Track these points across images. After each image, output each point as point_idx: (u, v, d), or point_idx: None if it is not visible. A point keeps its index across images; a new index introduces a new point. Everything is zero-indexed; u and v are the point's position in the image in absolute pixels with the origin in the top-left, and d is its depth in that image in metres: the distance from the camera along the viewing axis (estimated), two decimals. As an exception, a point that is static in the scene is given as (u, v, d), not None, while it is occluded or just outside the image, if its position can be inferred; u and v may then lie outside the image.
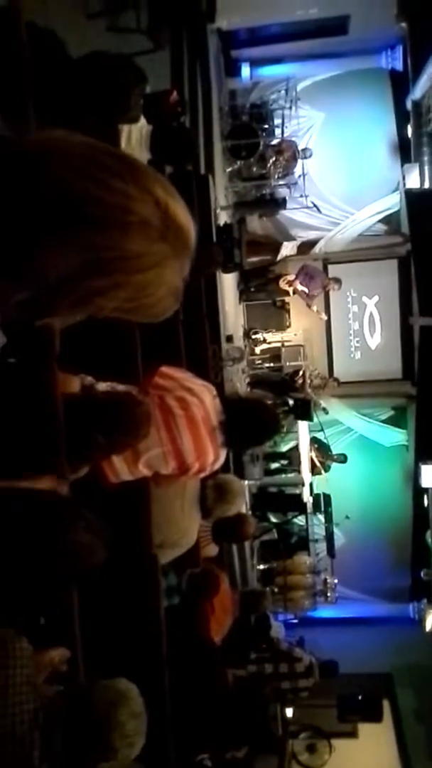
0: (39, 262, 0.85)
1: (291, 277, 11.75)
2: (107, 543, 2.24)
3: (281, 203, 11.68)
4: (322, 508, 11.34)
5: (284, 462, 11.30)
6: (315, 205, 12.05)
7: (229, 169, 11.31)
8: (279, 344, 12.32)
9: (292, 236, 12.59)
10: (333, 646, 8.73)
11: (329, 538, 11.30)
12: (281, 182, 11.66)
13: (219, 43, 11.41)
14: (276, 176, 11.50)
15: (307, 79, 12.33)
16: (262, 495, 10.80)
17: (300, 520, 11.26)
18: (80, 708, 1.94)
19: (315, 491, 11.30)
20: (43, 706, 1.86)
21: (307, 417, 10.33)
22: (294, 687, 6.62)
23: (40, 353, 2.32)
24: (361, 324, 12.77)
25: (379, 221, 12.73)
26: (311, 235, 12.69)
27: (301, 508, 10.88)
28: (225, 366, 7.88)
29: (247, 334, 12.01)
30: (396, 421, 12.94)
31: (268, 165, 11.31)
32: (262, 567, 10.42)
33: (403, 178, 12.12)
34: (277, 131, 11.60)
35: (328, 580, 10.86)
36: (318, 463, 10.98)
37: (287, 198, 11.70)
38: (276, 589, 10.27)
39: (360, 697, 9.44)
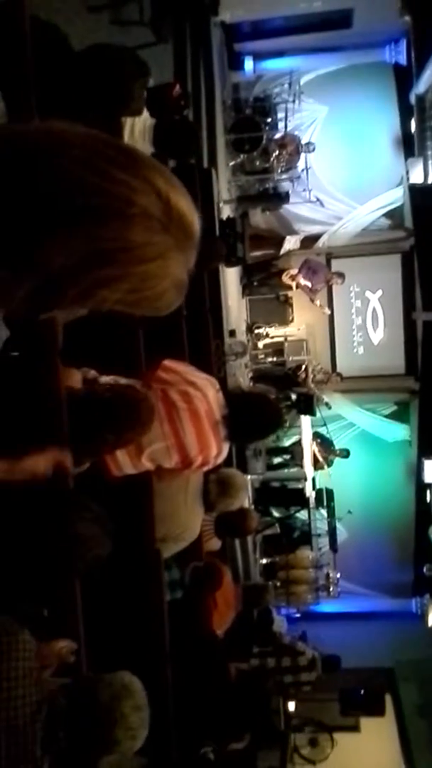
0: (40, 254, 0.85)
1: (294, 272, 11.73)
2: (112, 535, 2.25)
3: (284, 197, 11.65)
4: (325, 503, 11.35)
5: (287, 457, 11.30)
6: (318, 200, 12.03)
7: (232, 163, 11.29)
8: (282, 339, 12.30)
9: (295, 230, 12.57)
10: (335, 641, 8.76)
11: (332, 532, 11.31)
12: (284, 176, 11.64)
13: (222, 36, 11.37)
14: (279, 170, 11.49)
15: (311, 73, 12.31)
16: (264, 490, 10.80)
17: (302, 514, 11.26)
18: (83, 701, 1.95)
19: (317, 486, 11.30)
20: (45, 699, 1.87)
21: (310, 412, 10.32)
22: (296, 681, 6.65)
23: (42, 347, 2.32)
24: (364, 319, 12.75)
25: (383, 216, 12.70)
26: (314, 229, 12.66)
27: (303, 502, 10.88)
28: (228, 361, 7.88)
29: (250, 329, 12.01)
30: (399, 416, 12.92)
31: (271, 159, 11.29)
32: (264, 561, 10.43)
33: (407, 172, 12.10)
34: (281, 125, 11.59)
35: (331, 575, 10.87)
36: (321, 458, 10.98)
37: (290, 192, 11.67)
38: (278, 584, 10.29)
39: (362, 692, 9.47)
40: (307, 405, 10.23)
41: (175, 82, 5.02)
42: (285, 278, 11.87)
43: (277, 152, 11.23)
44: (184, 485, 3.45)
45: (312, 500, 10.97)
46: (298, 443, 10.85)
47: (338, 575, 11.00)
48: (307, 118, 12.27)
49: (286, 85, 11.88)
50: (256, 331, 12.11)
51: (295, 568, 10.66)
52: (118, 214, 0.85)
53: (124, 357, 3.22)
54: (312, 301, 11.89)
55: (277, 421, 3.63)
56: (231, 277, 10.29)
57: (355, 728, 9.53)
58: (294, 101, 11.70)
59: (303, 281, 11.57)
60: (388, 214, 12.70)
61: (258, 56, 12.36)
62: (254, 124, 11.14)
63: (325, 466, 11.22)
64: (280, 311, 12.35)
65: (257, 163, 11.51)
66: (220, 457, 3.27)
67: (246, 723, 3.71)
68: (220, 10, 10.74)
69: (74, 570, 2.36)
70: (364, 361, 12.72)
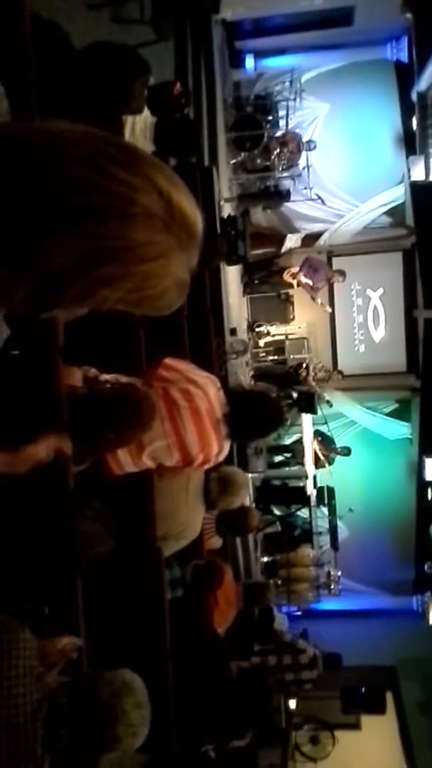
0: (41, 253, 0.84)
1: (295, 270, 11.72)
2: (114, 532, 2.25)
3: (285, 195, 11.64)
4: (326, 501, 11.36)
5: (288, 455, 11.30)
6: (319, 197, 12.01)
7: (233, 161, 11.28)
8: (283, 337, 12.30)
9: (296, 228, 12.55)
10: (336, 639, 8.76)
11: (333, 530, 11.32)
12: (285, 174, 11.63)
13: (223, 34, 11.35)
14: (280, 168, 11.46)
15: (312, 71, 12.28)
16: (265, 488, 10.80)
17: (303, 512, 11.26)
18: (84, 698, 1.95)
19: (319, 484, 11.31)
20: (46, 697, 1.87)
21: (311, 410, 10.32)
22: (297, 679, 6.65)
23: (43, 345, 2.32)
24: (366, 317, 12.73)
25: (384, 213, 12.68)
26: (315, 227, 12.65)
27: (304, 500, 10.88)
28: (229, 359, 7.87)
29: (251, 327, 12.00)
30: (400, 414, 12.92)
31: (273, 157, 11.27)
32: (265, 559, 10.42)
33: (408, 170, 12.08)
34: (282, 123, 11.56)
35: (332, 573, 10.88)
36: (322, 456, 10.98)
37: (291, 190, 11.66)
38: (279, 582, 10.29)
39: (363, 689, 9.48)
40: (308, 403, 10.23)
41: (176, 81, 5.01)
42: (286, 276, 11.86)
43: (278, 150, 11.21)
44: (185, 483, 3.45)
45: (313, 498, 10.97)
46: (299, 441, 10.85)
47: (339, 573, 11.01)
48: (308, 116, 12.25)
49: (287, 83, 11.85)
50: (257, 329, 12.11)
51: (296, 566, 10.67)
52: (119, 213, 0.84)
53: (125, 355, 3.22)
54: (313, 299, 11.89)
55: (278, 420, 3.63)
56: (232, 275, 10.28)
57: (356, 726, 9.54)
58: (295, 99, 11.68)
59: (304, 279, 11.56)
60: (390, 212, 12.68)
61: (259, 54, 12.33)
62: (255, 122, 11.12)
63: (326, 464, 11.22)
64: (281, 309, 12.35)
65: (258, 161, 11.50)
66: (221, 456, 3.28)
67: (247, 721, 3.72)
68: (221, 7, 10.71)
69: (76, 568, 2.36)
70: (365, 359, 12.71)
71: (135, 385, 2.72)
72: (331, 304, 12.49)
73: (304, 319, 12.45)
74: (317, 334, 12.59)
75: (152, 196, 0.86)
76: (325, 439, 11.43)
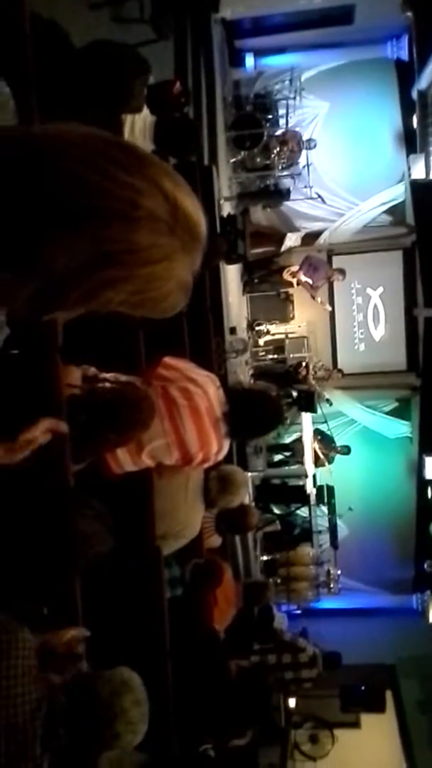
0: (45, 256, 0.84)
1: (295, 269, 11.72)
2: (113, 531, 2.25)
3: (285, 194, 11.64)
4: (326, 500, 11.36)
5: (287, 454, 11.30)
6: (319, 196, 12.01)
7: (232, 160, 11.27)
8: (283, 336, 12.30)
9: (296, 227, 12.55)
10: (336, 637, 8.76)
11: (332, 529, 11.32)
12: (285, 173, 11.62)
13: (223, 33, 11.34)
14: (280, 167, 11.45)
15: (312, 69, 12.27)
16: (265, 486, 10.81)
17: (303, 511, 11.27)
18: (83, 697, 1.96)
19: (318, 483, 11.31)
20: (45, 697, 1.88)
21: (311, 409, 10.32)
22: (297, 677, 6.65)
23: (42, 345, 2.33)
24: (366, 315, 12.73)
25: (384, 212, 12.68)
26: (315, 226, 12.64)
27: (304, 499, 10.88)
28: (228, 358, 7.87)
29: (250, 326, 12.00)
30: (400, 412, 12.92)
31: (272, 155, 11.26)
32: (265, 558, 10.43)
33: (409, 168, 12.06)
34: (281, 121, 11.55)
35: (331, 572, 10.88)
36: (321, 455, 10.98)
37: (291, 189, 11.66)
38: (279, 580, 10.30)
39: (363, 688, 9.48)
40: (307, 402, 10.23)
41: (176, 80, 5.01)
42: (286, 275, 11.86)
43: (278, 149, 11.20)
44: (184, 482, 3.45)
45: (313, 497, 10.98)
46: (299, 440, 10.85)
47: (339, 572, 11.01)
48: (308, 115, 12.24)
49: (287, 82, 11.83)
50: (257, 328, 12.10)
51: (296, 565, 10.67)
52: (123, 217, 0.84)
53: (125, 354, 3.22)
54: (313, 297, 11.89)
55: (278, 418, 3.64)
56: (232, 274, 10.28)
57: (355, 725, 9.54)
58: (295, 98, 11.66)
59: (304, 278, 11.56)
60: (390, 211, 12.68)
61: (259, 53, 12.32)
62: (255, 121, 11.11)
63: (326, 463, 11.22)
64: (281, 308, 12.34)
65: (258, 160, 11.48)
66: (221, 454, 3.28)
67: (247, 720, 3.72)
68: (221, 6, 10.70)
69: (75, 567, 2.36)
70: (365, 357, 12.71)
71: (134, 384, 2.72)
72: (331, 302, 12.49)
73: (303, 318, 12.44)
74: (317, 332, 12.59)
75: (157, 199, 0.86)
76: (324, 438, 11.43)
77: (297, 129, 11.68)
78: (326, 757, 8.87)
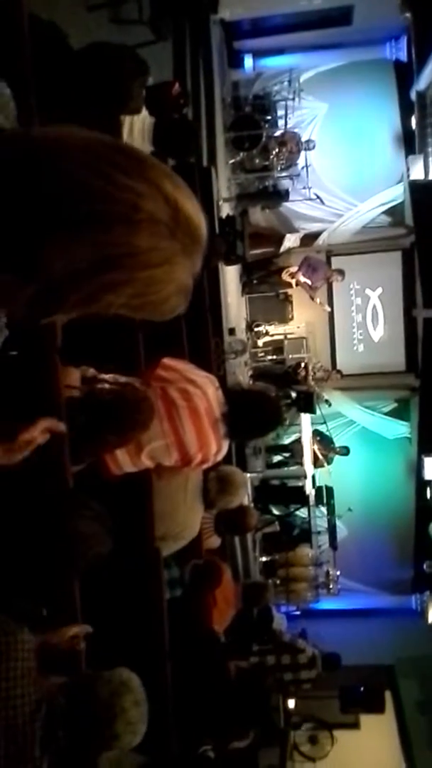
0: (45, 258, 0.84)
1: (294, 269, 11.73)
2: (113, 533, 2.25)
3: (284, 195, 11.64)
4: (325, 501, 11.35)
5: (287, 454, 11.30)
6: (318, 197, 12.01)
7: (231, 161, 11.27)
8: (282, 337, 12.30)
9: (295, 228, 12.55)
10: (335, 638, 8.77)
11: (331, 530, 11.31)
12: (284, 174, 11.62)
13: (222, 34, 11.35)
14: (279, 168, 11.46)
15: (311, 70, 12.28)
16: (264, 487, 10.80)
17: (302, 512, 11.27)
18: (83, 698, 1.96)
19: (317, 484, 11.30)
20: (44, 698, 1.88)
21: (310, 409, 10.32)
22: (296, 678, 6.65)
23: (41, 346, 2.33)
24: (365, 316, 12.74)
25: (383, 213, 12.68)
26: (314, 227, 12.64)
27: (303, 500, 10.88)
28: (227, 359, 7.88)
29: (249, 327, 12.00)
30: (399, 413, 12.92)
31: (271, 156, 11.27)
32: (264, 559, 10.43)
33: (407, 169, 12.08)
34: (280, 122, 11.56)
35: (331, 572, 10.88)
36: (320, 456, 10.98)
37: (290, 190, 11.66)
38: (278, 581, 10.30)
39: (362, 689, 9.49)
40: (306, 403, 10.23)
41: (175, 81, 5.02)
42: (285, 276, 11.86)
43: (276, 150, 11.20)
44: (183, 483, 3.45)
45: (312, 498, 10.97)
46: (298, 441, 10.85)
47: (338, 573, 11.01)
48: (307, 116, 12.25)
49: (286, 83, 11.85)
50: (256, 329, 12.10)
51: (295, 566, 10.67)
52: (123, 221, 0.84)
53: (124, 355, 3.22)
54: (312, 298, 11.89)
55: (277, 419, 3.63)
56: (230, 275, 10.28)
57: (355, 725, 9.55)
58: (294, 99, 11.68)
59: (303, 279, 11.57)
60: (389, 212, 12.68)
61: (258, 54, 12.33)
62: (254, 122, 11.12)
63: (325, 464, 11.22)
64: (280, 309, 12.34)
65: (257, 160, 11.49)
66: (220, 455, 3.28)
67: (246, 721, 3.72)
68: (220, 7, 10.71)
69: (75, 568, 2.36)
70: (364, 358, 12.71)
71: (133, 385, 2.72)
72: (330, 303, 12.49)
73: (302, 319, 12.45)
74: (316, 333, 12.59)
75: (158, 202, 0.86)
76: (323, 439, 11.43)
77: (296, 130, 11.69)
78: (326, 758, 8.87)
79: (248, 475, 8.21)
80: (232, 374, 8.38)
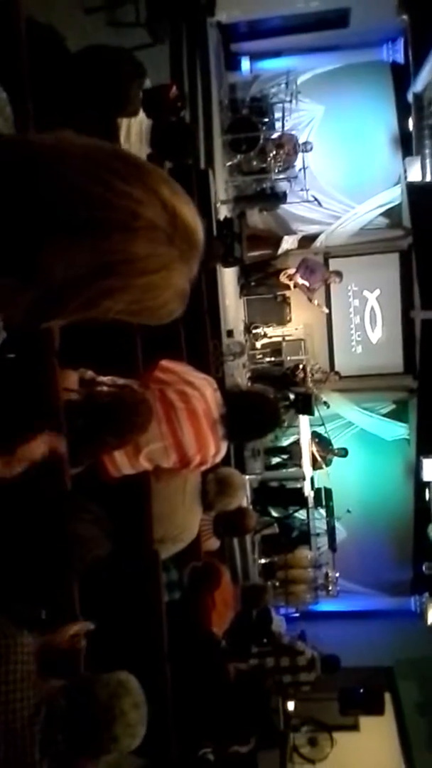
0: (43, 262, 0.84)
1: (292, 271, 11.73)
2: (111, 536, 2.25)
3: (282, 197, 11.65)
4: (323, 502, 11.35)
5: (285, 456, 11.31)
6: (316, 199, 12.02)
7: (229, 163, 11.28)
8: (280, 338, 12.31)
9: (292, 230, 12.57)
10: (334, 640, 8.76)
11: (330, 532, 11.31)
12: (282, 176, 11.63)
13: (219, 37, 11.37)
14: (276, 170, 11.47)
15: (308, 72, 12.29)
16: (263, 489, 10.81)
17: (301, 514, 11.27)
18: (82, 701, 1.95)
19: (316, 485, 11.30)
20: (44, 701, 1.87)
21: (308, 411, 10.32)
22: (295, 681, 6.65)
23: (39, 348, 2.33)
24: (363, 318, 12.75)
25: (381, 215, 12.70)
26: (312, 229, 12.66)
27: (302, 502, 10.88)
28: (226, 361, 7.88)
29: (247, 329, 12.01)
30: (397, 415, 12.93)
31: (269, 159, 11.28)
32: (263, 561, 10.43)
33: (405, 171, 12.09)
34: (278, 125, 11.56)
35: (330, 574, 10.87)
36: (319, 458, 10.98)
37: (288, 192, 11.66)
38: (277, 583, 10.29)
39: (361, 691, 9.47)
40: (305, 404, 10.23)
41: (172, 83, 5.02)
42: (283, 278, 11.87)
43: (274, 152, 11.21)
44: (182, 485, 3.45)
45: (310, 500, 10.97)
46: (297, 443, 10.85)
47: (337, 574, 11.00)
48: (304, 118, 12.26)
49: (283, 85, 11.85)
50: (254, 331, 12.11)
51: (294, 568, 10.66)
52: (122, 228, 0.84)
53: (122, 357, 3.22)
54: (310, 300, 11.89)
55: (275, 420, 3.63)
56: (228, 277, 10.29)
57: (354, 727, 9.53)
58: (291, 101, 11.67)
59: (301, 280, 11.56)
60: (386, 213, 12.70)
61: (255, 56, 12.35)
62: (251, 125, 11.13)
63: (324, 466, 11.22)
64: (278, 311, 12.35)
65: (254, 163, 11.50)
66: (218, 457, 3.28)
67: (246, 723, 3.71)
68: (217, 10, 10.71)
69: (73, 571, 2.36)
70: (362, 360, 12.72)
71: (132, 387, 2.72)
72: (328, 305, 12.50)
73: (300, 321, 12.46)
74: (314, 335, 12.60)
75: (156, 209, 0.86)
76: (322, 441, 11.43)
77: (293, 132, 11.69)
78: (325, 760, 8.87)
79: (247, 476, 8.21)
80: (230, 376, 8.39)
